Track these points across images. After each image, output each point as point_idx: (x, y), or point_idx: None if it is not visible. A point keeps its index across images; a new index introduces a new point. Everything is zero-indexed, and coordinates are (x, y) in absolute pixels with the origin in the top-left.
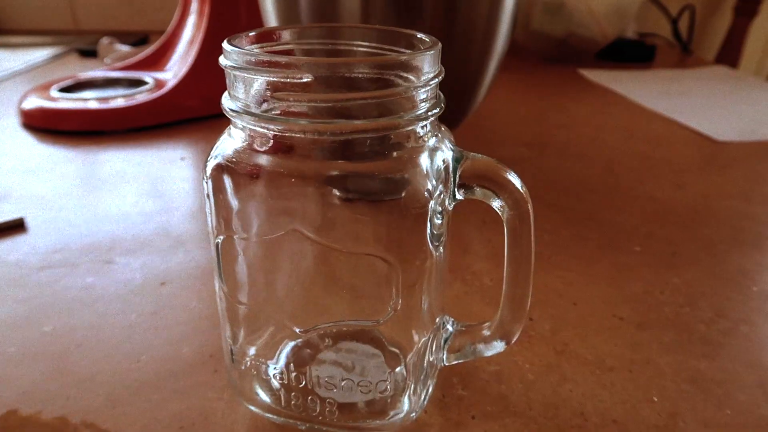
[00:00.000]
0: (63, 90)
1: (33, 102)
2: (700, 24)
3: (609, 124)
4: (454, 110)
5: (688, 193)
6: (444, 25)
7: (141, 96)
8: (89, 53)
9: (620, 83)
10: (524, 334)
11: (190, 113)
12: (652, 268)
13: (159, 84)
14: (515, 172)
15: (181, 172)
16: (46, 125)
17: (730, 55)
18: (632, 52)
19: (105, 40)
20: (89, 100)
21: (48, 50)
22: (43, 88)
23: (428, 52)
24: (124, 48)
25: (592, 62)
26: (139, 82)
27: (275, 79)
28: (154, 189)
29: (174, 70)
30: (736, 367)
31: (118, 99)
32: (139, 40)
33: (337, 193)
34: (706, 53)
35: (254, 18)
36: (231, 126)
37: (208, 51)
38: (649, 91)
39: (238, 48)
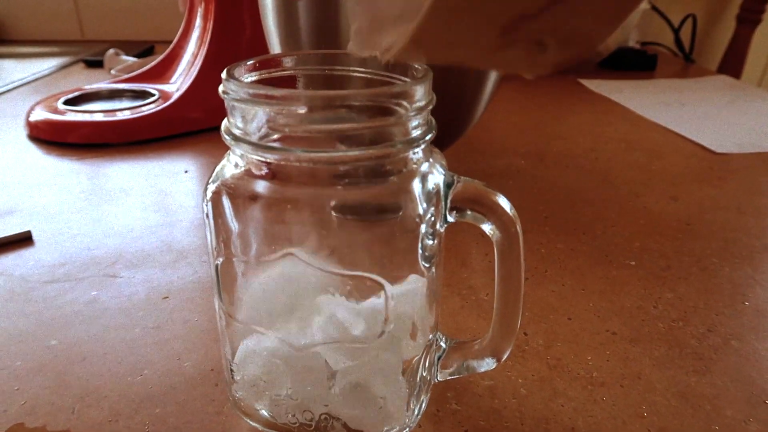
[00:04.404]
0: (69, 102)
1: (39, 114)
2: (702, 33)
3: (608, 134)
4: (455, 123)
5: (683, 205)
6: None
7: (146, 108)
8: (95, 64)
9: (621, 93)
10: (518, 348)
11: (194, 125)
12: (645, 282)
13: (164, 96)
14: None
15: (184, 185)
16: (52, 137)
17: (732, 64)
18: (634, 62)
19: (111, 51)
20: (95, 113)
21: (55, 61)
22: (50, 101)
23: (420, 82)
24: (130, 59)
25: (593, 72)
26: (145, 94)
27: (272, 111)
28: (158, 202)
29: (179, 83)
30: (726, 382)
31: (124, 111)
32: (145, 50)
33: (332, 218)
34: (709, 63)
35: (257, 32)
36: (230, 151)
37: (212, 64)
38: (649, 101)
39: (236, 80)
